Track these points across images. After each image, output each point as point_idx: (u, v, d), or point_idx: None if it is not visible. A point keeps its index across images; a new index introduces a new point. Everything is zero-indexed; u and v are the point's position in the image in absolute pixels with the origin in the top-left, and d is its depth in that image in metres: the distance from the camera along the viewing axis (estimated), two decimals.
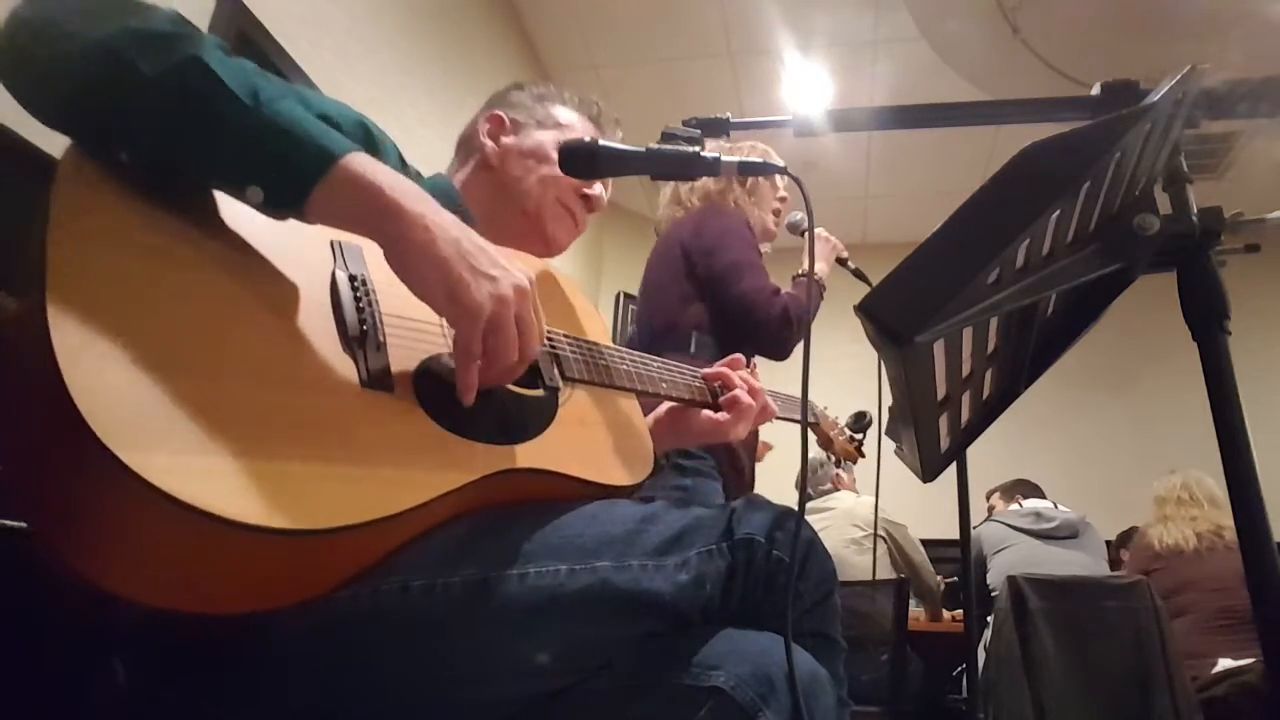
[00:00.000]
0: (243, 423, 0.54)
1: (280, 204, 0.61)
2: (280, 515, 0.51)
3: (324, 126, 0.63)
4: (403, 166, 0.90)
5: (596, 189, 1.08)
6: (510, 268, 0.67)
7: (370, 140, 0.85)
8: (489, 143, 1.07)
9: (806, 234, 0.88)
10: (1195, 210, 0.65)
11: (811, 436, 1.52)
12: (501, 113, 1.09)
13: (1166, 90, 0.58)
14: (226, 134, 0.59)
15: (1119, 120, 0.53)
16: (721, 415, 1.07)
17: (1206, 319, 0.63)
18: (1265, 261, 0.94)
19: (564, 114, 1.10)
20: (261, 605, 0.55)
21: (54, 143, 0.59)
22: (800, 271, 1.80)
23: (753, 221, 1.84)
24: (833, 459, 1.67)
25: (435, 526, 0.64)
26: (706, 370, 1.10)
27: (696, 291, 1.71)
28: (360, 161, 0.62)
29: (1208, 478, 2.86)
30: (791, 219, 1.88)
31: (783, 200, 1.90)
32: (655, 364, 1.01)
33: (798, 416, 1.34)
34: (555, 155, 0.99)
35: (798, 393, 0.86)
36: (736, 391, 1.08)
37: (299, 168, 0.60)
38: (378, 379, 0.65)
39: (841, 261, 1.88)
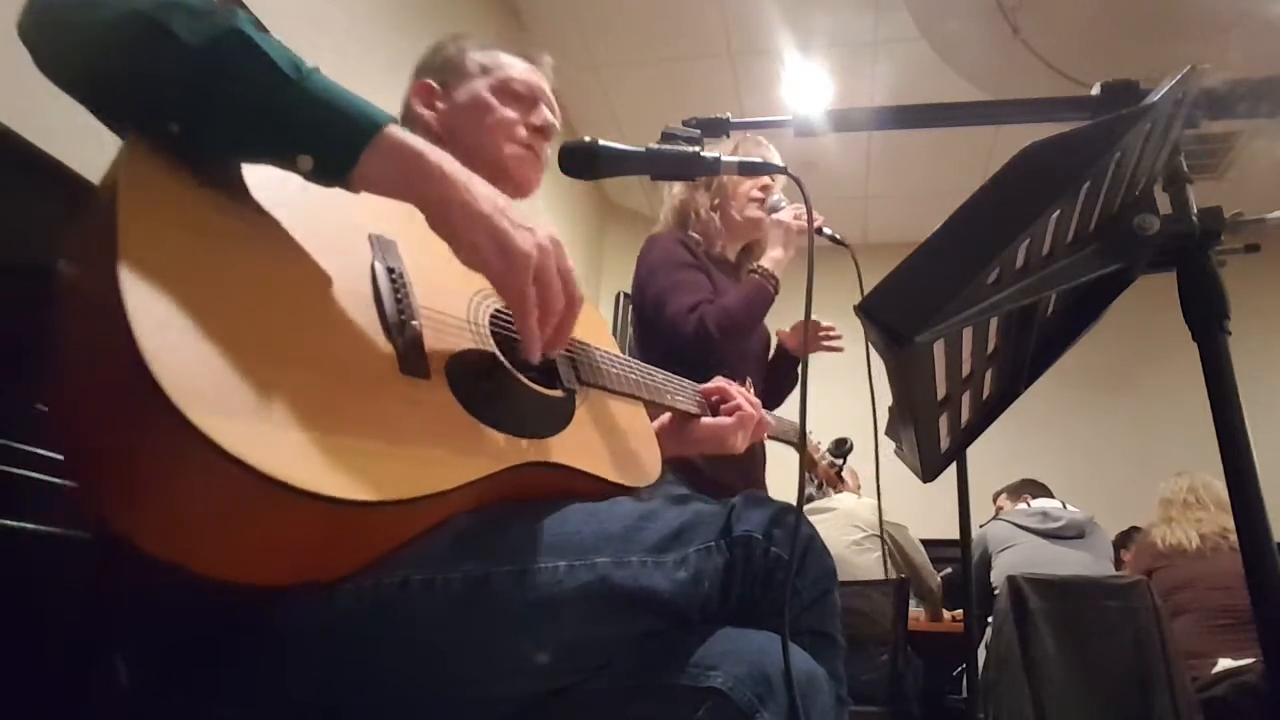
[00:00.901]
0: (303, 398, 0.57)
1: (329, 172, 0.63)
2: (339, 486, 0.54)
3: (361, 97, 0.65)
4: None
5: (544, 115, 1.07)
6: (539, 224, 0.70)
7: None
8: (426, 113, 1.06)
9: (808, 236, 0.88)
10: (1195, 210, 0.65)
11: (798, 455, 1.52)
12: (428, 80, 1.08)
13: (1166, 90, 0.58)
14: (273, 104, 0.61)
15: (1119, 120, 0.53)
16: (724, 420, 1.09)
17: (1206, 319, 0.63)
18: (1265, 261, 0.94)
19: (483, 57, 1.10)
20: (289, 579, 0.57)
21: (54, 143, 0.59)
22: (753, 266, 1.73)
23: (719, 225, 1.81)
24: (815, 481, 1.67)
25: (439, 522, 0.64)
26: (704, 386, 1.12)
27: (646, 329, 1.73)
28: (399, 130, 0.65)
29: (1216, 481, 2.83)
30: (769, 200, 1.80)
31: (765, 189, 1.82)
32: (660, 375, 1.03)
33: (785, 436, 1.36)
34: (494, 99, 1.04)
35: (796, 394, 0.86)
36: (739, 400, 1.10)
37: (347, 136, 0.62)
38: (415, 366, 0.67)
39: (816, 230, 1.80)
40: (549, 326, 0.70)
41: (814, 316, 1.91)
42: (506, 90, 1.07)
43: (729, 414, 1.09)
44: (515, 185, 1.06)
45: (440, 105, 1.07)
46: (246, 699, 0.59)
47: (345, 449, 0.56)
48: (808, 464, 1.60)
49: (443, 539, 0.64)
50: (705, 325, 1.58)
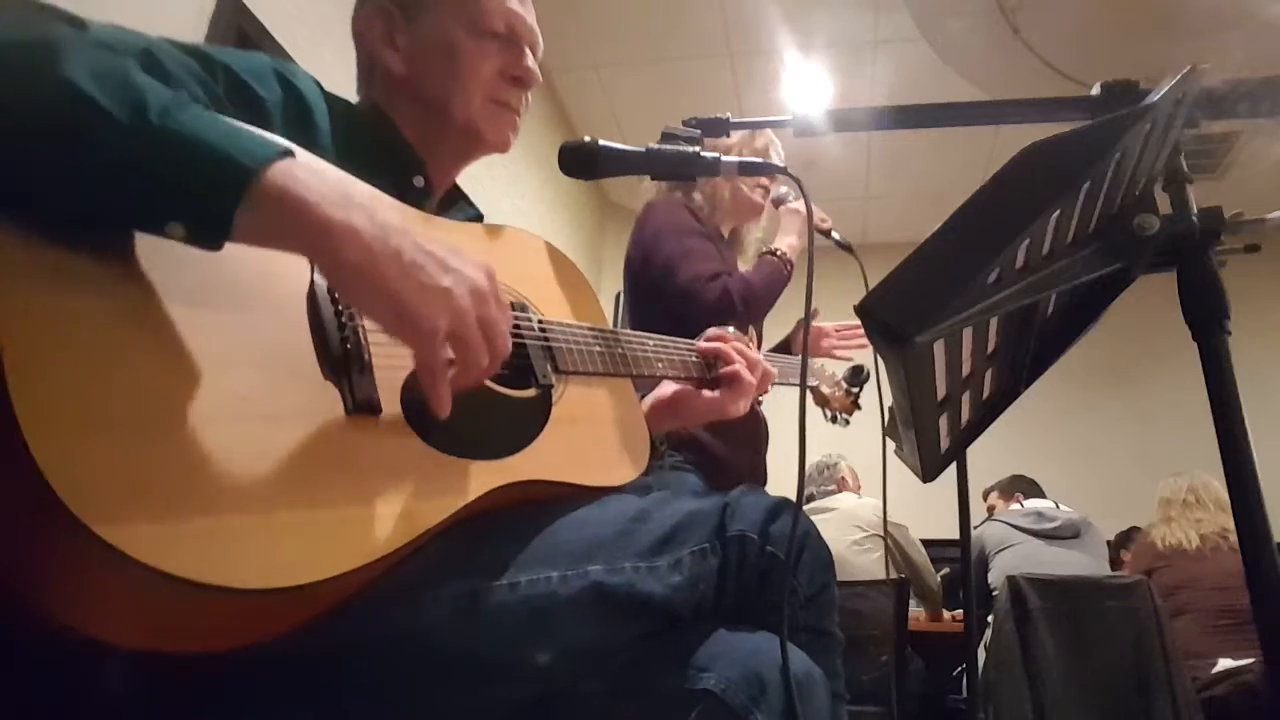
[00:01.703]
0: (225, 475, 0.51)
1: (205, 238, 0.52)
2: (267, 575, 0.50)
3: (234, 129, 0.54)
4: (324, 98, 0.83)
5: (527, 61, 0.93)
6: (464, 267, 0.59)
7: (290, 88, 0.78)
8: (388, 54, 0.91)
9: (807, 233, 0.88)
10: (1195, 210, 0.65)
11: (809, 396, 1.48)
12: (385, 5, 0.92)
13: (1166, 90, 0.58)
14: (114, 166, 0.49)
15: (1119, 120, 0.53)
16: (721, 392, 1.03)
17: (1206, 319, 0.63)
18: (1265, 261, 0.94)
19: None
20: (248, 641, 0.55)
21: None
22: (768, 249, 1.72)
23: (726, 198, 1.76)
24: (829, 414, 1.63)
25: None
26: (701, 345, 1.05)
27: (645, 299, 1.68)
28: (281, 172, 0.53)
29: (1215, 480, 2.83)
30: (776, 193, 1.80)
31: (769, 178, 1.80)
32: (651, 342, 0.97)
33: (796, 380, 1.31)
34: (466, 41, 0.89)
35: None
36: (735, 367, 1.03)
37: (211, 192, 0.51)
38: (363, 403, 0.61)
39: (824, 233, 1.77)
40: (465, 384, 0.61)
41: (824, 318, 1.90)
42: (480, 29, 0.90)
43: (726, 379, 1.03)
44: (488, 146, 0.95)
45: (401, 41, 0.90)
46: (240, 708, 0.59)
47: (280, 526, 0.52)
48: (820, 400, 1.58)
49: (426, 560, 0.62)
50: (730, 296, 1.54)
